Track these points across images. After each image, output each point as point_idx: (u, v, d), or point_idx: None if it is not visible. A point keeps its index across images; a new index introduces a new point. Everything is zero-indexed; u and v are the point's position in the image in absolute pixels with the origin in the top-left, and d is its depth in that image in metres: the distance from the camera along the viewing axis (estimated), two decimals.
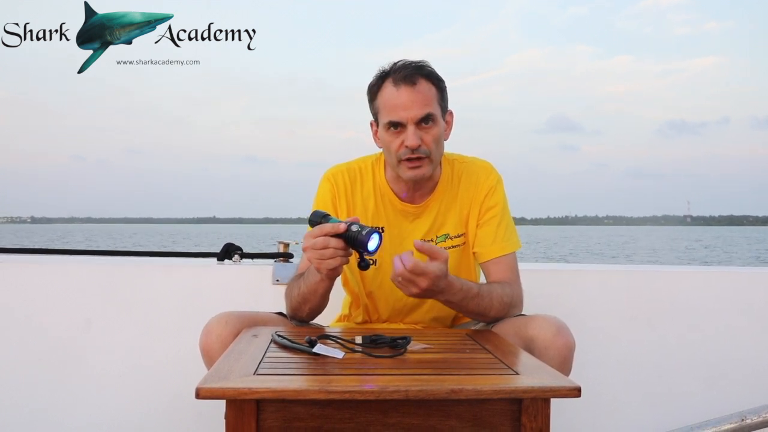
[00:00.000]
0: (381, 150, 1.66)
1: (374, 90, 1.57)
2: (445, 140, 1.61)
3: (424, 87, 1.53)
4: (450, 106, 1.62)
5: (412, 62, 1.55)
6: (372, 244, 1.31)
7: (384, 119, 1.54)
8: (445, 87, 1.59)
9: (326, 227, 1.32)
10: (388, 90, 1.53)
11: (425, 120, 1.52)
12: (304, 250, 1.36)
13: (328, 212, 1.44)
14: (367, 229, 1.31)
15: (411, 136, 1.51)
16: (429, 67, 1.56)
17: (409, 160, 1.53)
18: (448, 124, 1.62)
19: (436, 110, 1.54)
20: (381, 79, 1.56)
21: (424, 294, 1.38)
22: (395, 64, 1.55)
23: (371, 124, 1.63)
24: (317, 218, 1.38)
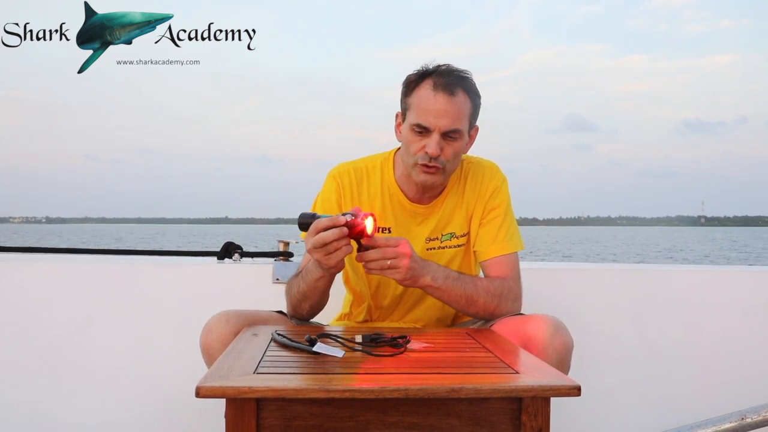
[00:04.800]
0: (390, 149, 1.66)
1: (412, 86, 1.55)
2: (464, 153, 1.61)
3: (461, 100, 1.51)
4: None
5: (455, 71, 1.53)
6: (368, 227, 1.32)
7: (413, 119, 1.53)
8: (480, 104, 1.57)
9: (323, 221, 1.32)
10: (426, 92, 1.51)
11: (451, 133, 1.51)
12: (309, 252, 1.36)
13: (324, 212, 1.44)
14: (360, 215, 1.32)
15: (433, 145, 1.50)
16: (471, 80, 1.54)
17: (425, 165, 1.53)
18: (471, 139, 1.61)
19: (465, 126, 1.53)
20: (422, 76, 1.54)
21: (413, 267, 1.39)
22: (439, 66, 1.54)
23: (397, 116, 1.62)
24: (306, 219, 1.38)
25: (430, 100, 1.50)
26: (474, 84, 1.55)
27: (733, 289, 2.24)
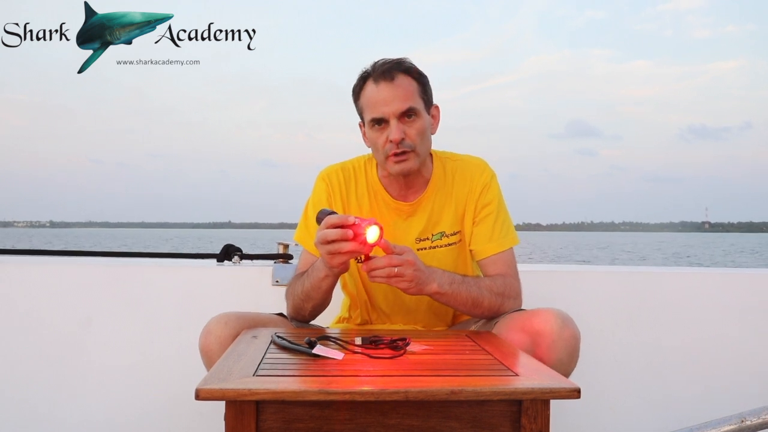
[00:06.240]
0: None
1: (357, 90, 1.59)
2: (433, 134, 1.63)
3: (404, 81, 1.54)
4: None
5: (390, 60, 1.57)
6: (369, 236, 1.32)
7: (368, 117, 1.56)
8: (428, 81, 1.60)
9: (333, 218, 1.33)
10: (369, 88, 1.55)
11: (408, 114, 1.53)
12: (316, 246, 1.36)
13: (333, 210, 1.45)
14: (365, 222, 1.32)
15: (394, 130, 1.52)
16: (408, 62, 1.57)
17: (395, 154, 1.54)
18: (435, 118, 1.63)
19: (418, 104, 1.55)
20: (363, 79, 1.58)
21: (418, 276, 1.39)
22: (375, 63, 1.57)
23: (360, 125, 1.64)
24: (323, 215, 1.39)
25: (374, 93, 1.54)
26: (412, 65, 1.57)
27: (734, 291, 2.24)
